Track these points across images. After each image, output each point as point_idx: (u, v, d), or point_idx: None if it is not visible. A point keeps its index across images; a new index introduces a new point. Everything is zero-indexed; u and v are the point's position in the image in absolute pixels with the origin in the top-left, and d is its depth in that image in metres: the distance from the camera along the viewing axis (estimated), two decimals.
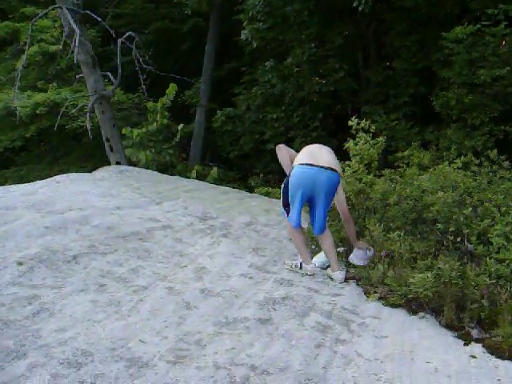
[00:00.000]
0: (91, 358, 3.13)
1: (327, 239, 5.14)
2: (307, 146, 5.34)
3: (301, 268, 5.04)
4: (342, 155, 6.54)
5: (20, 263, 4.33)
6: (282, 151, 5.38)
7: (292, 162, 5.18)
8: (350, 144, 6.65)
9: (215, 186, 9.90)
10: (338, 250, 5.51)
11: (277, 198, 6.69)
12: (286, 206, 5.16)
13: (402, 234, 5.07)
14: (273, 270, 5.07)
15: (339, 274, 5.00)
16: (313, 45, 12.40)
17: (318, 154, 5.08)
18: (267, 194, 9.48)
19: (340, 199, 5.40)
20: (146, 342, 3.40)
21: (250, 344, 3.53)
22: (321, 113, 13.10)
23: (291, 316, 4.03)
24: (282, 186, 5.21)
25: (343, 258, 5.48)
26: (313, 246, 5.70)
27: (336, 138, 11.79)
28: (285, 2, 12.00)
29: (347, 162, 6.55)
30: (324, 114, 13.22)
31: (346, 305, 4.38)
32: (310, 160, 5.00)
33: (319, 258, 5.34)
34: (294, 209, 5.06)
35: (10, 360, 3.03)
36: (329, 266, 5.18)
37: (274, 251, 5.68)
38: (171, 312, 3.88)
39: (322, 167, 4.95)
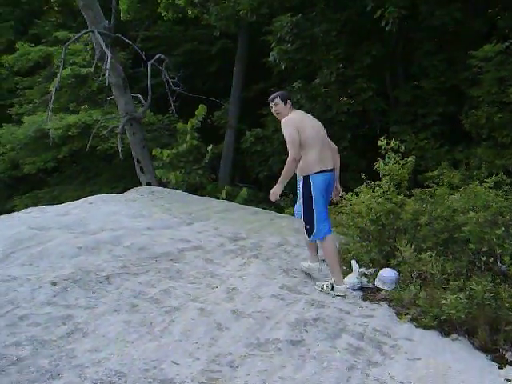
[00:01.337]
0: (124, 379, 3.14)
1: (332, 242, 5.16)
2: (311, 136, 5.14)
3: (332, 289, 5.01)
4: (372, 175, 6.54)
5: (54, 283, 4.39)
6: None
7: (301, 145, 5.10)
8: (379, 164, 6.63)
9: (245, 206, 9.91)
10: (369, 271, 5.49)
11: None
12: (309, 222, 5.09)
13: (434, 255, 5.02)
14: (304, 290, 5.06)
15: (342, 288, 5.01)
16: (341, 65, 12.40)
17: (325, 155, 5.12)
18: None
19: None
20: (179, 363, 3.41)
21: (282, 366, 3.51)
22: (349, 133, 13.07)
23: (323, 338, 4.02)
24: (301, 199, 5.12)
25: (373, 279, 5.43)
26: (344, 267, 5.68)
27: (365, 158, 11.75)
28: (312, 23, 12.07)
29: (377, 182, 6.54)
30: (353, 134, 13.19)
31: (377, 326, 4.35)
32: (322, 165, 5.05)
33: (350, 279, 5.32)
34: (323, 217, 5.02)
35: (46, 380, 3.06)
36: (361, 288, 5.16)
37: (305, 272, 5.67)
38: (203, 333, 3.88)
39: (331, 170, 5.13)
